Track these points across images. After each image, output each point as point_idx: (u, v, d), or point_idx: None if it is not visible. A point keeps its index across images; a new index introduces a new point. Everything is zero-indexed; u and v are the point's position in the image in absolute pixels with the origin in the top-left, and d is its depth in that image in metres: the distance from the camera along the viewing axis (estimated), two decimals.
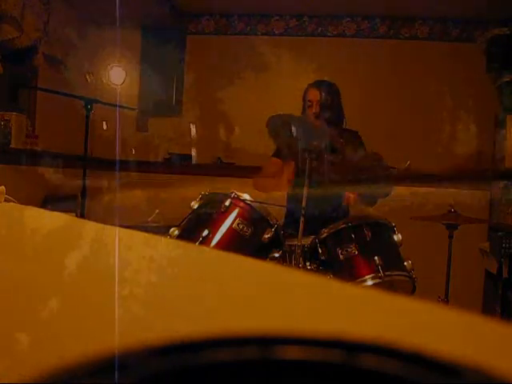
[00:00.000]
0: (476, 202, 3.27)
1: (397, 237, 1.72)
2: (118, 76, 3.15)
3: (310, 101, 2.16)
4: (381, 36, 3.67)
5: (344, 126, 2.27)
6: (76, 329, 0.26)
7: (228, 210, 1.61)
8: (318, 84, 2.20)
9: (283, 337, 0.18)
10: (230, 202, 1.62)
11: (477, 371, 0.16)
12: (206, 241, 1.55)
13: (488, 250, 3.08)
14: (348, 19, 3.72)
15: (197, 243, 1.52)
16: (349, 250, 1.64)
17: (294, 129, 1.68)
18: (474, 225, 2.93)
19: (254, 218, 1.63)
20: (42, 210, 0.82)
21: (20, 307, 0.29)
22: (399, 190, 2.92)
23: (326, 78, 2.30)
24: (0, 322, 0.26)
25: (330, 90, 2.18)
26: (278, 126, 1.80)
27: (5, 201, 0.87)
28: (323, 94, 2.14)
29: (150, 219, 3.18)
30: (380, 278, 1.56)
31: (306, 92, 2.21)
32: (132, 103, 3.51)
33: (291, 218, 2.02)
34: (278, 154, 2.17)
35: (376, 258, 1.59)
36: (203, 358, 0.17)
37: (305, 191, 1.64)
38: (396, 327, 0.26)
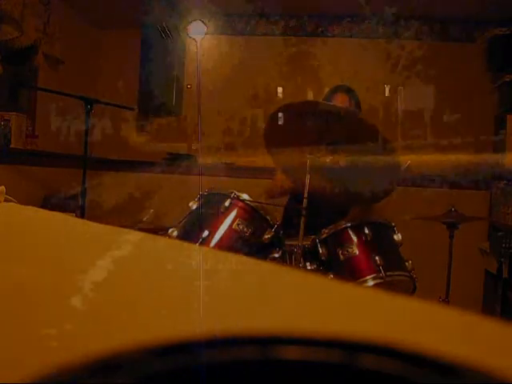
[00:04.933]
0: (476, 201, 3.27)
1: (397, 237, 1.72)
2: (198, 30, 3.01)
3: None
4: (381, 36, 3.67)
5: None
6: (80, 331, 0.25)
7: (228, 211, 1.61)
8: (345, 90, 2.21)
9: (283, 337, 0.18)
10: (230, 203, 1.61)
11: (477, 371, 0.16)
12: (205, 241, 1.55)
13: (488, 250, 3.08)
14: (348, 19, 3.72)
15: (197, 244, 1.52)
16: (349, 250, 1.64)
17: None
18: (475, 225, 2.93)
19: (254, 219, 1.63)
20: (41, 210, 0.81)
21: (19, 308, 0.29)
22: (399, 190, 2.92)
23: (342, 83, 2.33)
24: None
25: (355, 96, 2.19)
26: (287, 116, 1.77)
27: (5, 201, 0.87)
28: (351, 101, 2.16)
29: (144, 219, 3.18)
30: (381, 278, 1.56)
31: (330, 96, 2.21)
32: (132, 103, 3.51)
33: (290, 217, 2.02)
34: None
35: (377, 258, 1.58)
36: (203, 358, 0.17)
37: (305, 191, 1.64)
38: (396, 327, 0.26)
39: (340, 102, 2.15)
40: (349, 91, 2.20)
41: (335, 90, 2.23)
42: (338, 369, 0.17)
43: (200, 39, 3.08)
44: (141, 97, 3.91)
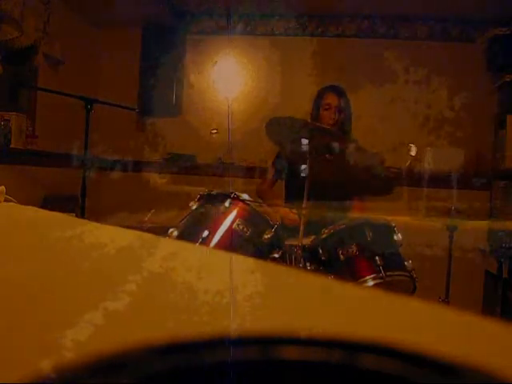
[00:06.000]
0: (476, 202, 3.27)
1: (397, 237, 1.72)
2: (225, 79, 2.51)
3: (327, 104, 2.20)
4: (381, 36, 3.67)
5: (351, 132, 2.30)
6: (80, 331, 0.25)
7: (228, 211, 1.61)
8: (336, 89, 2.25)
9: (283, 337, 0.18)
10: (230, 203, 1.61)
11: (477, 371, 0.16)
12: (205, 241, 1.55)
13: (488, 250, 3.08)
14: (348, 19, 3.71)
15: (197, 244, 1.52)
16: (349, 250, 1.64)
17: (294, 130, 1.69)
18: (474, 225, 2.93)
19: (254, 219, 1.63)
20: (41, 210, 0.81)
21: (19, 308, 0.29)
22: (399, 190, 2.92)
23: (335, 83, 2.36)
24: None
25: (345, 96, 2.24)
26: (279, 128, 1.80)
27: (5, 201, 0.87)
28: (341, 100, 2.20)
29: (146, 219, 3.18)
30: (381, 278, 1.56)
31: (321, 95, 2.25)
32: (132, 103, 3.51)
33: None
34: (279, 157, 2.25)
35: (377, 258, 1.59)
36: (203, 358, 0.17)
37: (305, 191, 1.64)
38: (396, 327, 0.26)
39: (330, 100, 2.19)
40: (339, 92, 2.24)
41: (326, 89, 2.27)
42: (338, 369, 0.17)
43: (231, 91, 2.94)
44: (141, 97, 3.91)
